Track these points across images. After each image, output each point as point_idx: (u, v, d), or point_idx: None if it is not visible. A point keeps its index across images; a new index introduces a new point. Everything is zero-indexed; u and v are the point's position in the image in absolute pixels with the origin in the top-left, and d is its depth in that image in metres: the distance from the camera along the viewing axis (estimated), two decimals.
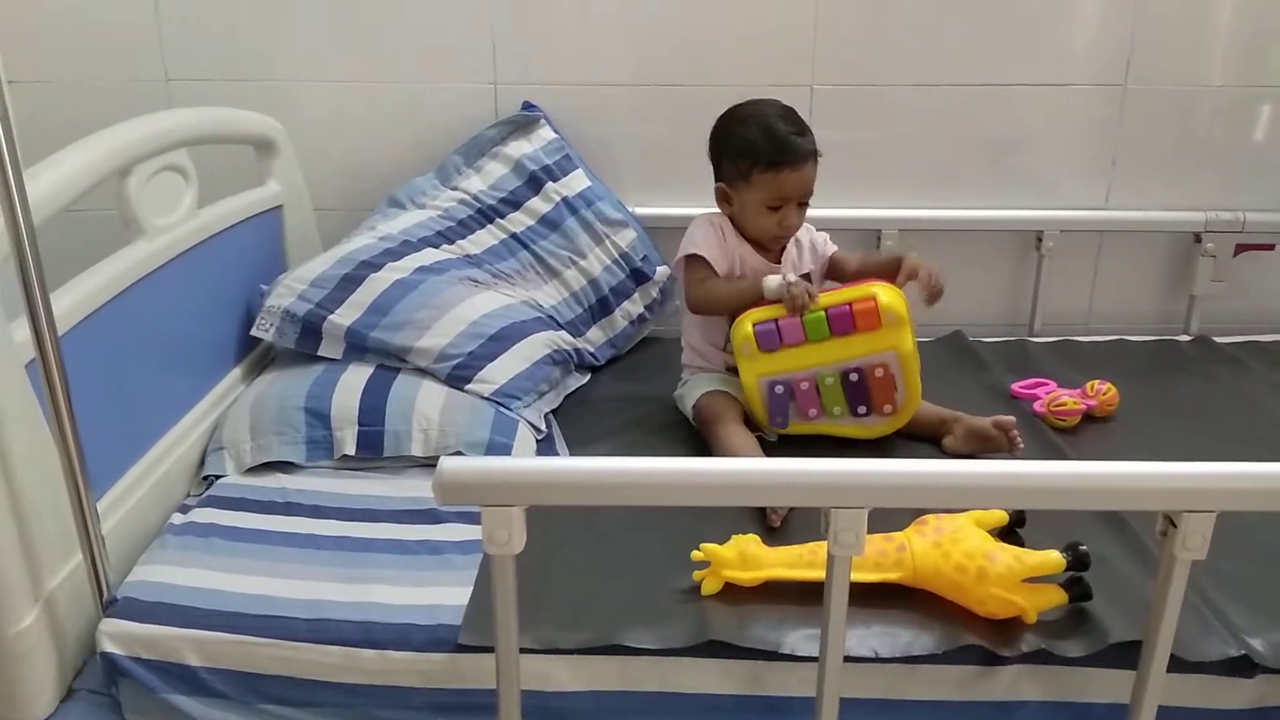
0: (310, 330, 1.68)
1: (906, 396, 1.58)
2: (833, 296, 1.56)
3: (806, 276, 1.62)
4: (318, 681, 1.16)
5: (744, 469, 1.03)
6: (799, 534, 1.33)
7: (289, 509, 1.42)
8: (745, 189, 1.61)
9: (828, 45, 2.02)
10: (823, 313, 1.54)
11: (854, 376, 1.56)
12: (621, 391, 1.87)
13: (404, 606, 1.21)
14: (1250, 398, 1.82)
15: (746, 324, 1.56)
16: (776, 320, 1.55)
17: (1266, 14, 2.02)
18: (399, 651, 1.16)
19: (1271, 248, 2.15)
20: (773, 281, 1.56)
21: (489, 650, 1.05)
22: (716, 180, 1.66)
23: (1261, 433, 1.69)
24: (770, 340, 1.54)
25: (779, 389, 1.57)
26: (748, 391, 1.59)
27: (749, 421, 1.61)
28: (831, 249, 1.75)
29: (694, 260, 1.64)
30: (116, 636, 1.18)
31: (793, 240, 1.69)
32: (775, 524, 1.36)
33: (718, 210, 1.68)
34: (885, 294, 1.54)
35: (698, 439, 1.64)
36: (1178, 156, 2.12)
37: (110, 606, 1.21)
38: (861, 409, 1.58)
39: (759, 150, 1.57)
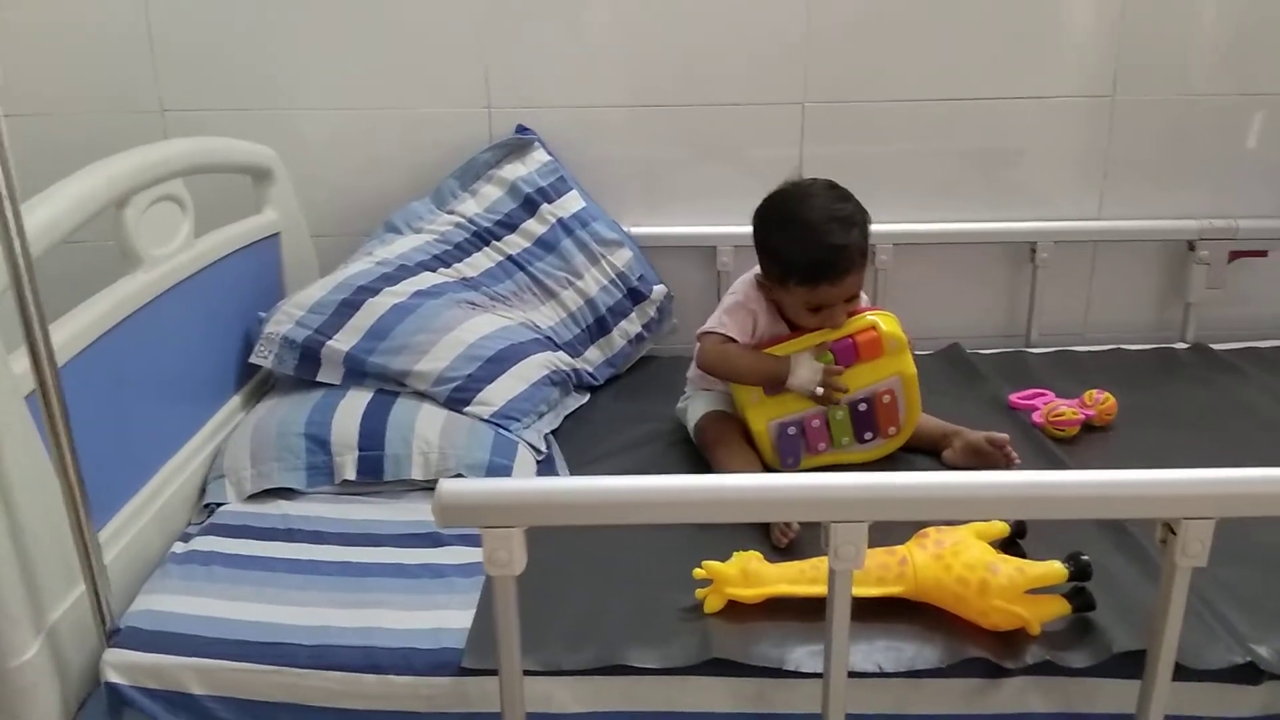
0: (309, 356, 1.68)
1: (908, 416, 1.59)
2: (832, 333, 1.54)
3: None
4: (322, 708, 1.16)
5: (743, 485, 1.03)
6: (803, 551, 1.33)
7: (290, 535, 1.42)
8: (782, 292, 1.54)
9: (819, 63, 2.03)
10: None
11: (863, 406, 1.56)
12: (621, 411, 1.87)
13: (407, 631, 1.21)
14: (1248, 404, 1.82)
15: (754, 390, 1.56)
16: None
17: (1252, 22, 2.04)
18: (402, 676, 1.16)
19: (1265, 254, 2.15)
20: (800, 383, 1.50)
21: (493, 673, 1.04)
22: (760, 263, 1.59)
23: (1260, 438, 1.69)
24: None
25: (791, 430, 1.56)
26: (758, 438, 1.56)
27: (751, 443, 1.59)
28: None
29: (714, 333, 1.58)
30: (120, 666, 1.18)
31: None
32: (782, 545, 1.36)
33: (752, 287, 1.60)
34: (884, 321, 1.55)
35: (698, 457, 1.64)
36: (1169, 165, 2.13)
37: (113, 636, 1.21)
38: (868, 435, 1.59)
39: (795, 266, 1.49)
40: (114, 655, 1.18)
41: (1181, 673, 1.07)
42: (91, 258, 1.42)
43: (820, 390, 1.50)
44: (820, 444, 1.58)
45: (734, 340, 1.57)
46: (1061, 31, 2.05)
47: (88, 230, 1.31)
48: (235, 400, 1.73)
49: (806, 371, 1.51)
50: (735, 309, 1.59)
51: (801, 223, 1.49)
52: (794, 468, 1.58)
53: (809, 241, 1.47)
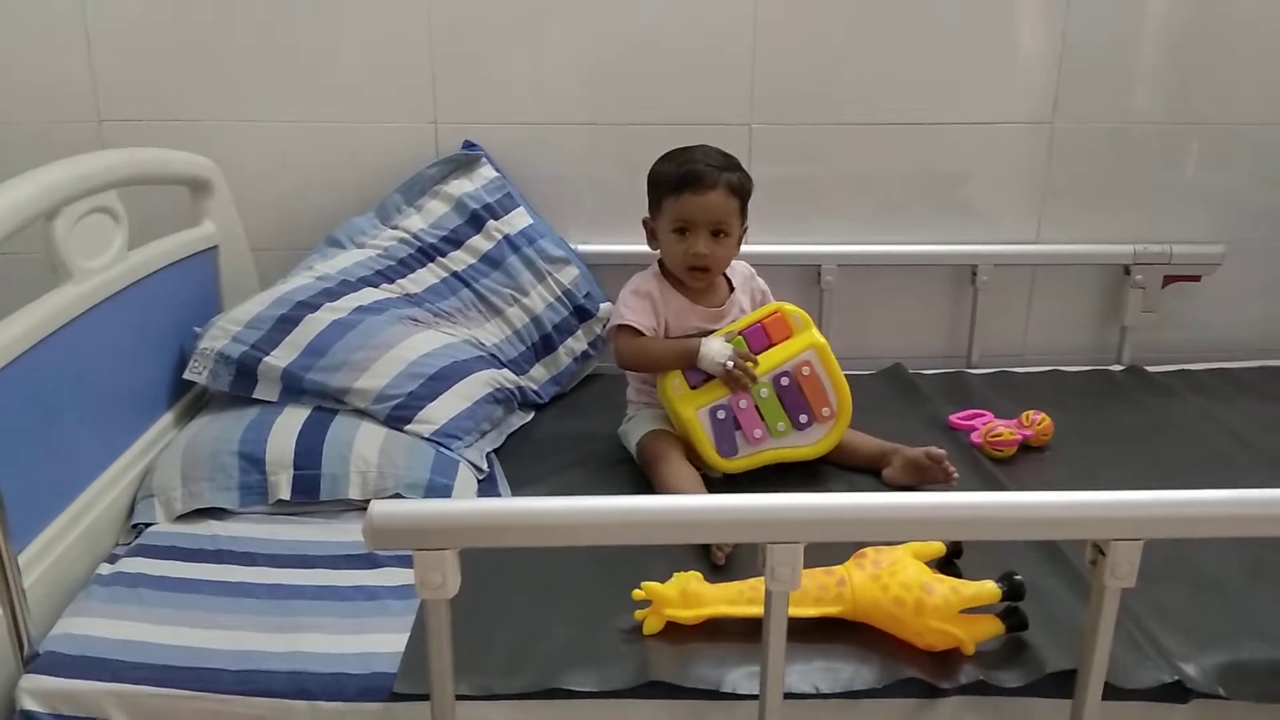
0: (245, 372, 1.65)
1: (838, 395, 1.62)
2: (740, 322, 1.64)
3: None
4: None
5: (678, 506, 1.03)
6: (743, 570, 1.32)
7: (220, 557, 1.39)
8: (659, 217, 1.65)
9: (766, 85, 2.05)
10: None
11: (785, 380, 1.60)
12: (566, 429, 1.85)
13: (338, 655, 1.18)
14: (1181, 425, 1.86)
15: (675, 376, 1.60)
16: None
17: (1189, 51, 2.09)
18: (331, 702, 1.13)
19: (1198, 279, 2.20)
20: (710, 355, 1.57)
21: (424, 698, 1.03)
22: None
23: (1193, 459, 1.73)
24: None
25: (720, 414, 1.58)
26: (690, 428, 1.58)
27: (693, 460, 1.60)
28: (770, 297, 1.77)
29: (623, 329, 1.65)
30: (36, 693, 1.14)
31: (739, 289, 1.72)
32: (720, 562, 1.35)
33: (646, 273, 1.71)
34: (785, 305, 1.66)
35: (643, 476, 1.63)
36: (1106, 191, 2.17)
37: (31, 662, 1.17)
38: (803, 418, 1.61)
39: (665, 180, 1.63)
40: (30, 681, 1.14)
41: (1111, 692, 1.09)
42: (20, 271, 1.38)
43: (730, 364, 1.55)
44: (755, 431, 1.59)
45: (640, 331, 1.63)
46: (1004, 58, 2.08)
47: (18, 242, 1.28)
48: (168, 417, 1.69)
49: (717, 344, 1.59)
50: (630, 297, 1.68)
51: (683, 152, 1.65)
52: (732, 456, 1.59)
53: (682, 160, 1.63)
